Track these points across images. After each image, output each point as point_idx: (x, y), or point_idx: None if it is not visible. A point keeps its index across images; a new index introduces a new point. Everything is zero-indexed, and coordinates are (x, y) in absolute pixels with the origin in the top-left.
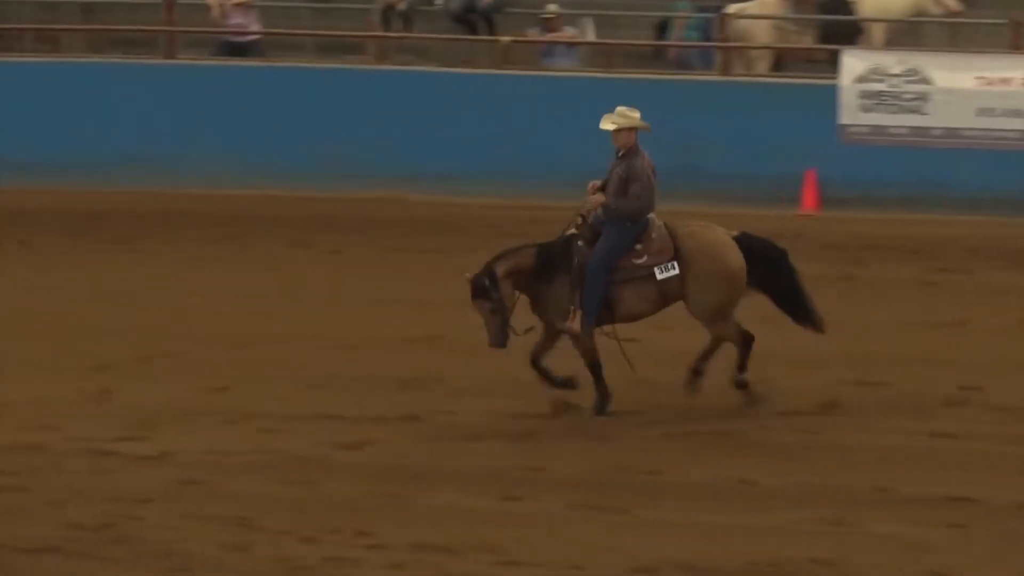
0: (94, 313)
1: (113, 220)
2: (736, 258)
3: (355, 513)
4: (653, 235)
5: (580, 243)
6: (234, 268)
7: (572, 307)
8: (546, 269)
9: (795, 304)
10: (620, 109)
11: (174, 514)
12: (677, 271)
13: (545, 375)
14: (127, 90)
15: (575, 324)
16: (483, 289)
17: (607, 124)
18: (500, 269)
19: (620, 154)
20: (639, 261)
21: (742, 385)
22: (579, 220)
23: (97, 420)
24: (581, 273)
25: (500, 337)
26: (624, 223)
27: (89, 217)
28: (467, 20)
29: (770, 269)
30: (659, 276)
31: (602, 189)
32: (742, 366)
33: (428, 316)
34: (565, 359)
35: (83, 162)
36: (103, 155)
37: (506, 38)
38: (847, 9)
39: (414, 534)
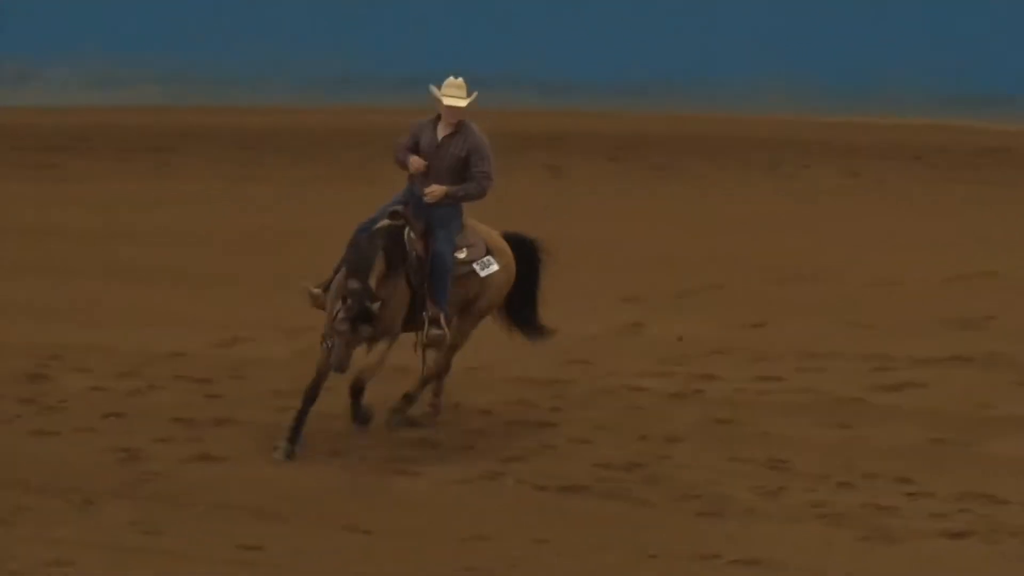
0: (628, 243)
1: (649, 145)
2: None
3: (896, 459)
4: (466, 227)
5: (412, 235)
6: (769, 198)
7: (426, 310)
8: (394, 271)
9: (532, 311)
10: (456, 82)
11: (705, 454)
12: (498, 267)
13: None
14: (668, 7)
15: (443, 326)
16: (369, 313)
17: (458, 102)
18: (373, 282)
19: (450, 131)
20: (460, 256)
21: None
22: (397, 209)
23: (628, 355)
24: (422, 269)
25: (345, 360)
26: (457, 213)
27: (623, 141)
28: None
29: (529, 271)
30: (482, 273)
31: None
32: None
33: (981, 252)
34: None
35: (619, 85)
36: (639, 78)
37: None
38: None
39: (960, 483)
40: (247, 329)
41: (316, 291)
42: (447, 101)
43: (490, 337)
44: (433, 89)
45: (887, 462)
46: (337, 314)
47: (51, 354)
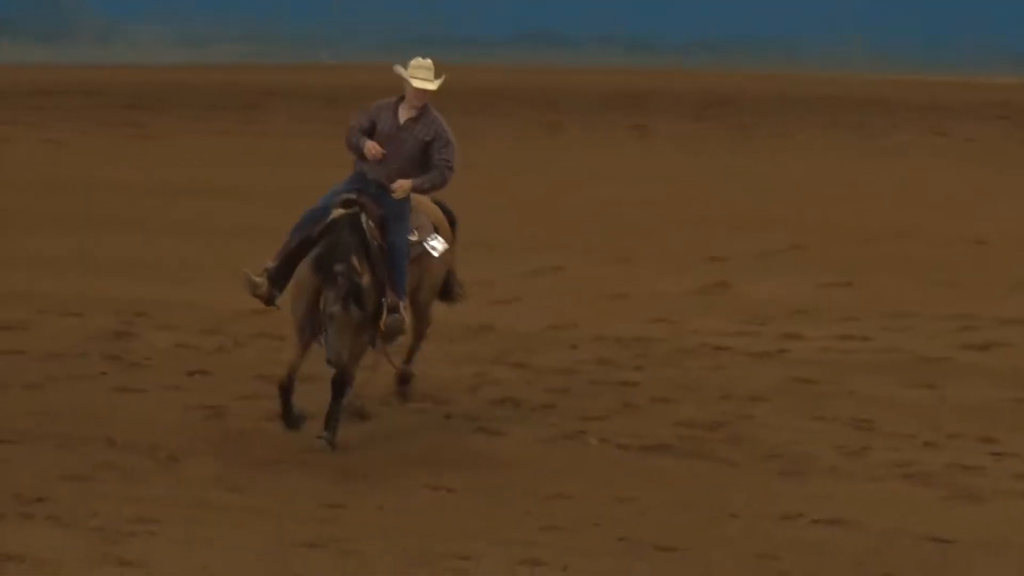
0: (714, 202)
1: (733, 104)
2: None
3: (981, 419)
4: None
5: (370, 223)
6: (855, 157)
7: (386, 297)
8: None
9: (452, 276)
10: (425, 63)
11: (788, 413)
12: (446, 244)
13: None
14: None
15: (402, 312)
16: (360, 291)
17: (428, 84)
18: (356, 263)
19: (414, 115)
20: (412, 238)
21: (406, 378)
22: (351, 197)
23: (712, 314)
24: (382, 257)
25: (343, 350)
26: (408, 200)
27: (708, 101)
28: None
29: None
30: (435, 253)
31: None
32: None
33: None
34: None
35: (704, 43)
36: (723, 36)
37: None
38: None
39: None
40: None
41: (258, 279)
42: (417, 83)
43: (572, 295)
44: (400, 69)
45: (972, 422)
46: (326, 301)
47: (137, 311)
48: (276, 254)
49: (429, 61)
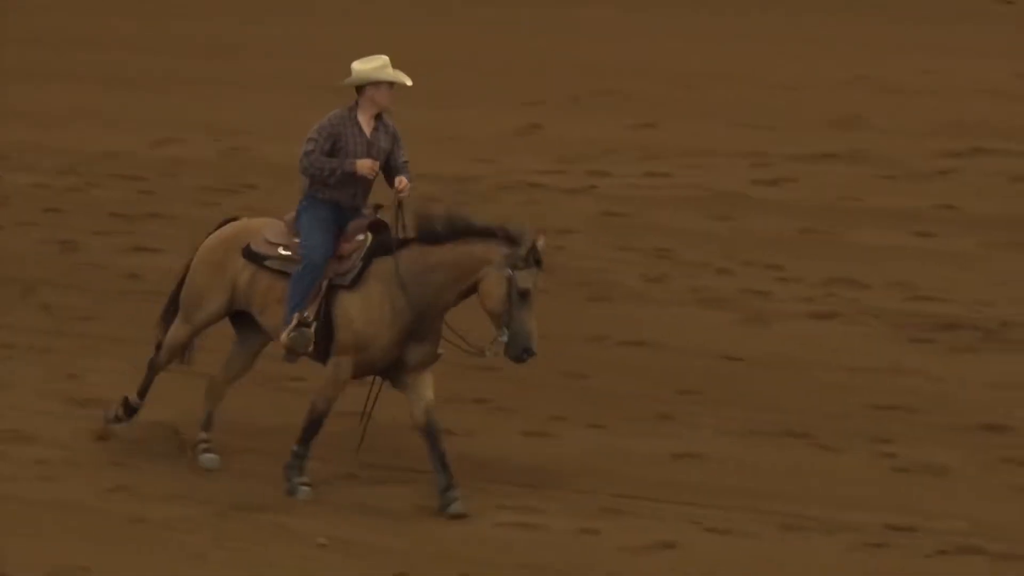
0: (528, 50)
1: None
2: None
3: (770, 248)
4: None
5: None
6: (673, 7)
7: None
8: None
9: None
10: (382, 57)
11: (597, 244)
12: None
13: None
14: None
15: None
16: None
17: (407, 79)
18: None
19: (374, 123)
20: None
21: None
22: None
23: (527, 154)
24: None
25: None
26: None
27: None
28: None
29: None
30: None
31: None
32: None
33: (867, 57)
34: None
35: None
36: None
37: None
38: None
39: (827, 269)
40: (179, 130)
41: (308, 331)
42: (401, 78)
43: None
44: (369, 75)
45: (762, 250)
46: (521, 279)
47: None
48: (304, 308)
49: (383, 56)
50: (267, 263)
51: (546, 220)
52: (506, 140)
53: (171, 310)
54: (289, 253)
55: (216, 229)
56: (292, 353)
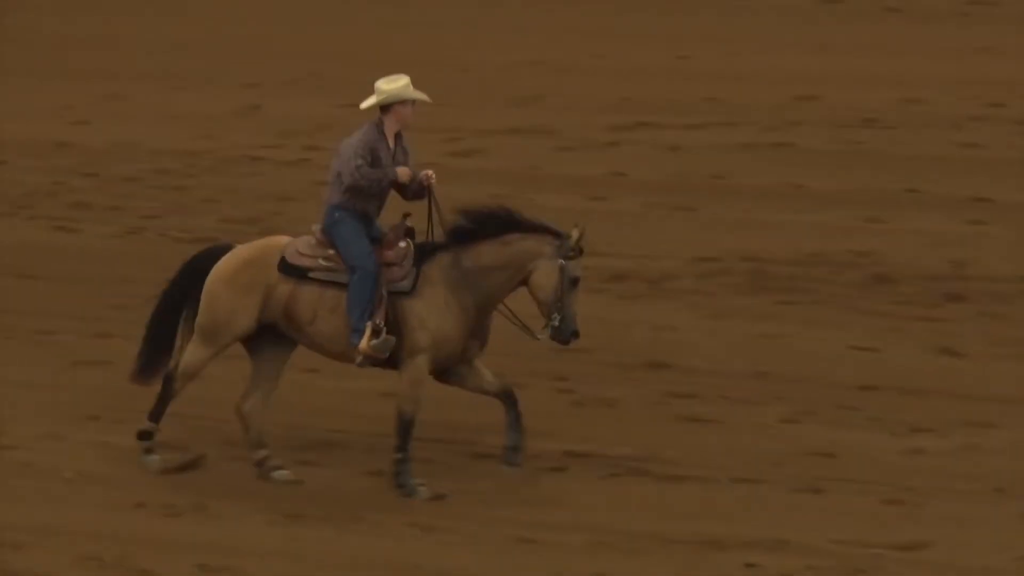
0: (250, 34)
1: None
2: None
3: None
4: None
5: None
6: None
7: None
8: None
9: None
10: (403, 77)
11: (313, 211)
12: None
13: None
14: None
15: None
16: None
17: (426, 96)
18: None
19: (397, 133)
20: None
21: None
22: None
23: (248, 130)
24: None
25: None
26: None
27: None
28: None
29: None
30: None
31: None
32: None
33: (546, 42)
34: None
35: None
36: None
37: None
38: None
39: None
40: None
41: (387, 337)
42: (420, 96)
43: (134, 117)
44: (395, 93)
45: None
46: (571, 269)
47: None
48: (372, 313)
49: (405, 75)
50: (311, 275)
51: (267, 189)
52: (229, 118)
53: (158, 338)
54: (331, 263)
55: (206, 254)
56: (369, 359)
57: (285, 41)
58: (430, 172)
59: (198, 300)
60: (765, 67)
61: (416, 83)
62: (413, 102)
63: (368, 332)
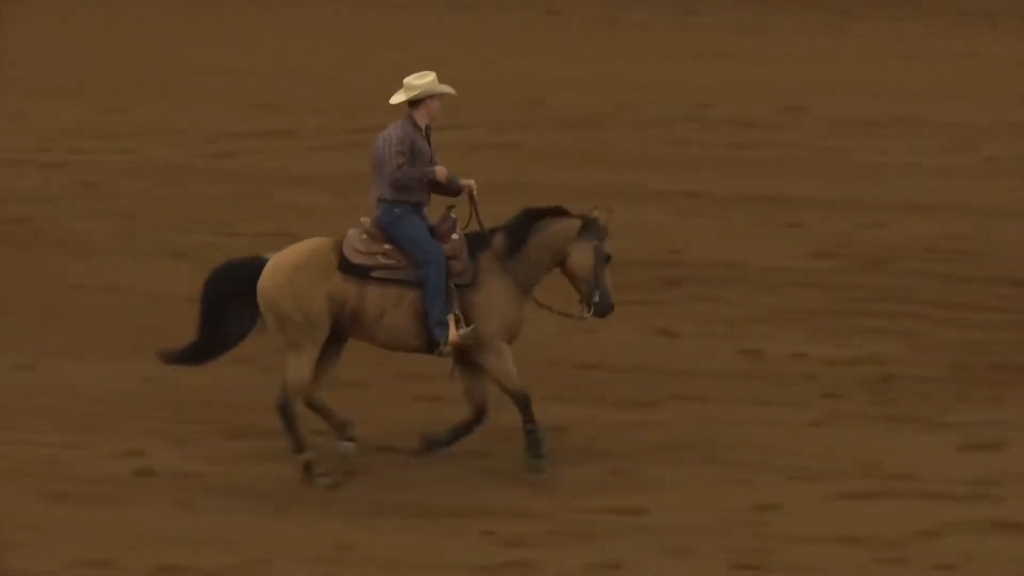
0: (21, 44)
1: None
2: None
3: (221, 208)
4: None
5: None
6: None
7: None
8: None
9: None
10: (429, 73)
11: (76, 209)
12: None
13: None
14: None
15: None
16: None
17: (452, 90)
18: None
19: (426, 126)
20: None
21: None
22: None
23: (11, 137)
24: None
25: None
26: None
27: None
28: None
29: None
30: None
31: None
32: None
33: (299, 52)
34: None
35: None
36: None
37: None
38: None
39: (268, 226)
40: None
41: (466, 329)
42: (449, 90)
43: None
44: (427, 88)
45: (211, 210)
46: (603, 249)
47: None
48: (447, 306)
49: (431, 71)
50: (374, 274)
51: (31, 190)
52: None
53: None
54: (391, 260)
55: (240, 267)
56: (458, 349)
57: (54, 50)
58: (472, 182)
59: (245, 315)
60: (495, 72)
61: (173, 90)
62: (441, 96)
63: (451, 323)
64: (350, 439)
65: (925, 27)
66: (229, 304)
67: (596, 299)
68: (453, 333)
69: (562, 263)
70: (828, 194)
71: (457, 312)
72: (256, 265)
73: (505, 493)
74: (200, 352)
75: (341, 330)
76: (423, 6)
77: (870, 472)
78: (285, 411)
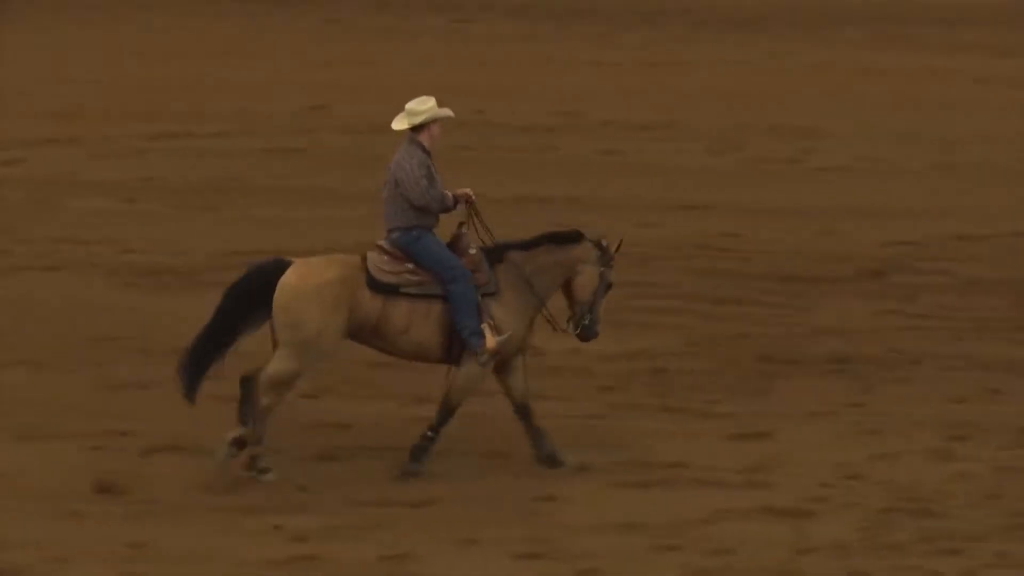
0: None
1: None
2: None
3: (10, 216)
4: None
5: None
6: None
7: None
8: None
9: None
10: (428, 98)
11: None
12: None
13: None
14: None
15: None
16: None
17: (451, 112)
18: None
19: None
20: None
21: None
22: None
23: None
24: None
25: None
26: None
27: None
28: None
29: None
30: None
31: None
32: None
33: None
34: None
35: None
36: None
37: None
38: None
39: (56, 230)
40: None
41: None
42: (449, 112)
43: None
44: (435, 109)
45: (6, 218)
46: (607, 276)
47: None
48: (479, 317)
49: (430, 97)
50: (403, 289)
51: None
52: None
53: (204, 358)
54: (418, 277)
55: (259, 274)
56: (496, 356)
57: None
58: (469, 191)
59: (256, 321)
60: (276, 79)
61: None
62: (442, 119)
63: (487, 332)
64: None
65: (692, 34)
66: (246, 304)
67: (586, 321)
68: (491, 341)
69: (568, 281)
70: (601, 195)
71: (490, 320)
72: (279, 267)
73: (294, 489)
74: (205, 349)
75: (360, 341)
76: (210, 16)
77: (646, 462)
78: (246, 386)
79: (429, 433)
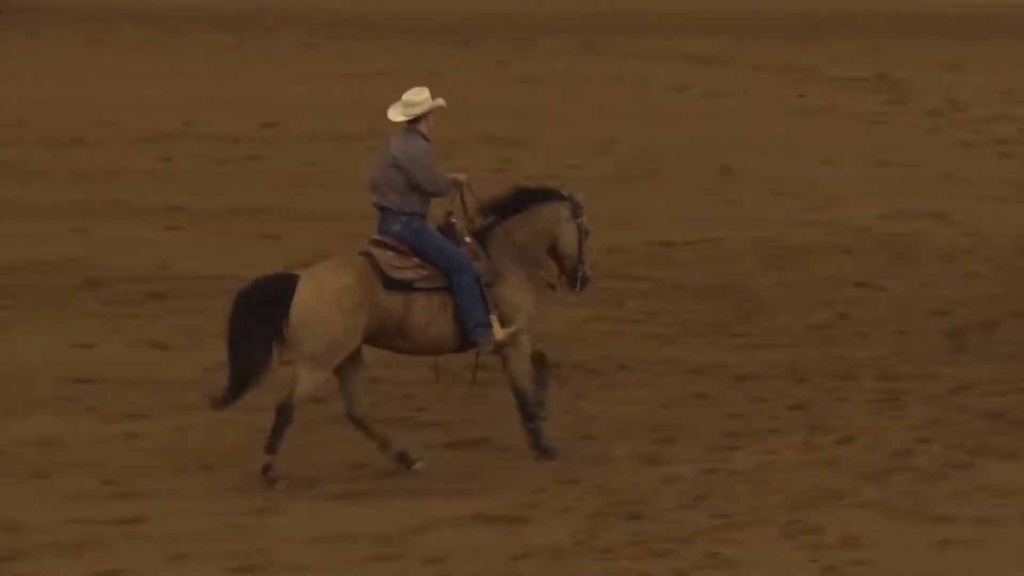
0: None
1: None
2: None
3: None
4: None
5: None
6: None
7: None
8: None
9: None
10: (422, 89)
11: None
12: None
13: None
14: None
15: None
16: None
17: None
18: None
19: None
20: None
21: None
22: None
23: None
24: None
25: None
26: None
27: None
28: None
29: None
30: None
31: None
32: None
33: None
34: None
35: None
36: None
37: None
38: None
39: None
40: None
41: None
42: (442, 102)
43: None
44: (433, 100)
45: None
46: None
47: None
48: (486, 308)
49: (424, 88)
50: (417, 284)
51: None
52: None
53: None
54: (428, 271)
55: (270, 287)
56: (501, 346)
57: None
58: (463, 176)
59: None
60: None
61: None
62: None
63: (494, 322)
64: (410, 461)
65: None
66: (253, 328)
67: (581, 273)
68: (500, 333)
69: (553, 245)
70: (302, 206)
71: (496, 312)
72: (286, 282)
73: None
74: (239, 382)
75: (379, 343)
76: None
77: (358, 472)
78: (284, 414)
79: (530, 425)
